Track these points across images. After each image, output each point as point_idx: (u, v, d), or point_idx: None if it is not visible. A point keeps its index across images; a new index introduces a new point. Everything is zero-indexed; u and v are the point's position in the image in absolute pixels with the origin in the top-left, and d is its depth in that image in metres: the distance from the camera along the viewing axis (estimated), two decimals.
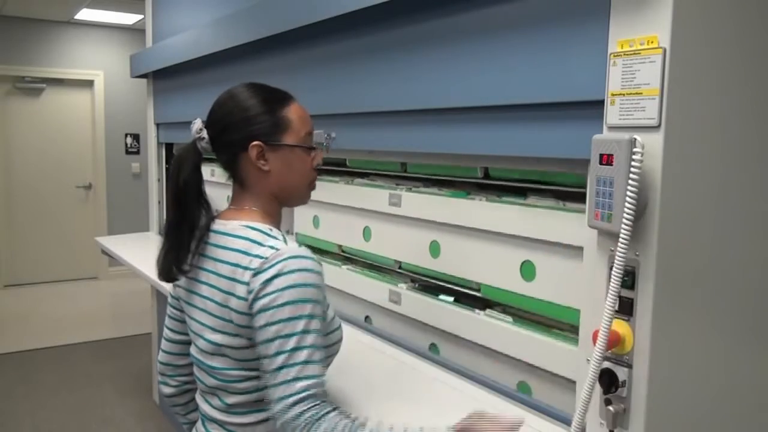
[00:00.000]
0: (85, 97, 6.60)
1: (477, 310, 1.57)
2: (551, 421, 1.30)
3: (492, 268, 1.52)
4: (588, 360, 1.15)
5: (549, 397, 1.39)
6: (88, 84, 6.58)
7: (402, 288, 1.81)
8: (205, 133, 1.19)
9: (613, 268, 1.01)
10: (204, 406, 1.22)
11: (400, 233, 1.83)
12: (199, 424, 1.26)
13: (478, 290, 1.58)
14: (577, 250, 1.27)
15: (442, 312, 1.66)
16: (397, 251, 1.85)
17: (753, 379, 1.25)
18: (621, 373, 1.07)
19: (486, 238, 1.53)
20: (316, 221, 2.22)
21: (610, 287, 1.02)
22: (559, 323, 1.40)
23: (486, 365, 1.54)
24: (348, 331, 1.90)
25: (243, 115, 1.17)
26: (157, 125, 3.65)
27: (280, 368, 1.02)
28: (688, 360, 1.11)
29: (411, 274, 1.83)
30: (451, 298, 1.67)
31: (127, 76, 4.13)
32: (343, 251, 2.12)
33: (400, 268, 1.86)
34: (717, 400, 1.18)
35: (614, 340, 1.06)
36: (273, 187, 1.19)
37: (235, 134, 1.17)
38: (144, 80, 3.74)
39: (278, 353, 1.02)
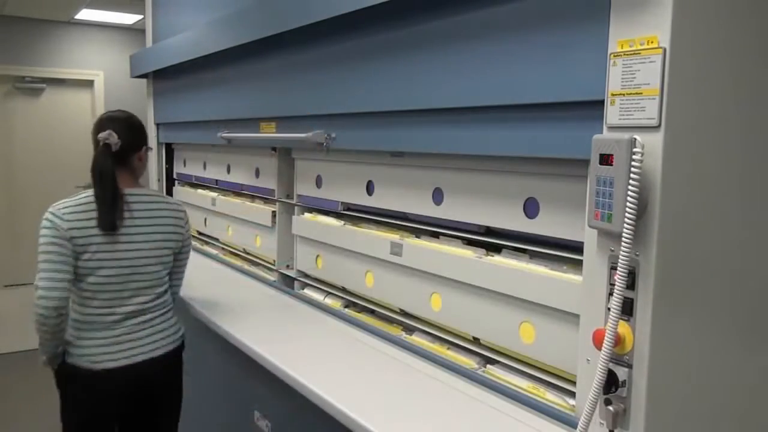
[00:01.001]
0: (85, 97, 6.60)
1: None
2: (552, 422, 1.30)
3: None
4: (588, 360, 1.15)
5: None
6: (88, 84, 6.58)
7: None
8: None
9: (618, 270, 1.01)
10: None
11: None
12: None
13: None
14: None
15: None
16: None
17: (753, 378, 1.25)
18: (621, 373, 1.07)
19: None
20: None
21: (615, 290, 1.02)
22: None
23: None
24: (346, 329, 1.91)
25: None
26: (157, 125, 3.65)
27: None
28: (688, 360, 1.11)
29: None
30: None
31: (127, 76, 4.12)
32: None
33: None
34: (717, 399, 1.18)
35: (615, 341, 1.06)
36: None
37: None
38: (144, 80, 3.74)
39: None
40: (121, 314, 1.81)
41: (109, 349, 1.80)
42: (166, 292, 1.95)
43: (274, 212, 2.48)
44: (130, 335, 1.82)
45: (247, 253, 2.82)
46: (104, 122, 1.86)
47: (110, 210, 1.78)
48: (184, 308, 2.21)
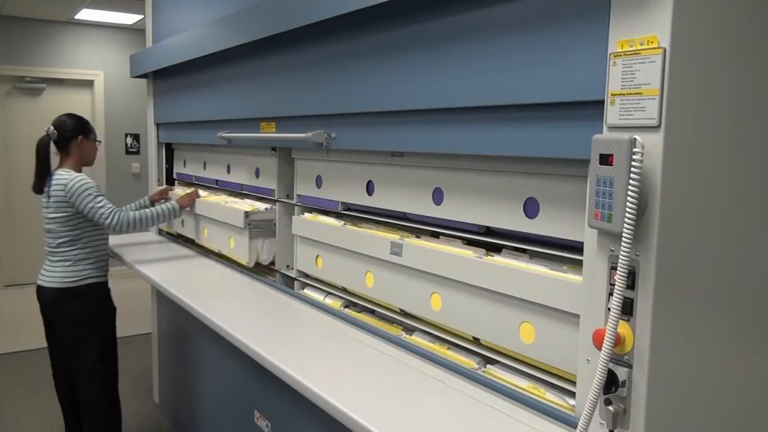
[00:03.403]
0: (85, 97, 6.61)
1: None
2: (552, 422, 1.30)
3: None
4: (588, 360, 1.15)
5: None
6: (88, 84, 6.58)
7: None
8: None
9: (618, 270, 1.01)
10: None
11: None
12: None
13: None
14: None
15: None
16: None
17: (753, 379, 1.25)
18: (621, 373, 1.07)
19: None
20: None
21: (615, 290, 1.02)
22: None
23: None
24: (347, 329, 1.92)
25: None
26: (157, 125, 3.65)
27: None
28: (688, 360, 1.11)
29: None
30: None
31: (127, 76, 4.13)
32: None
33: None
34: (717, 400, 1.18)
35: (615, 341, 1.06)
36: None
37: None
38: (144, 80, 3.74)
39: None
40: (46, 251, 2.74)
41: (40, 271, 2.76)
42: (68, 243, 2.67)
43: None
44: (44, 266, 2.74)
45: None
46: (53, 121, 2.78)
47: (39, 179, 2.69)
48: (184, 308, 2.21)
